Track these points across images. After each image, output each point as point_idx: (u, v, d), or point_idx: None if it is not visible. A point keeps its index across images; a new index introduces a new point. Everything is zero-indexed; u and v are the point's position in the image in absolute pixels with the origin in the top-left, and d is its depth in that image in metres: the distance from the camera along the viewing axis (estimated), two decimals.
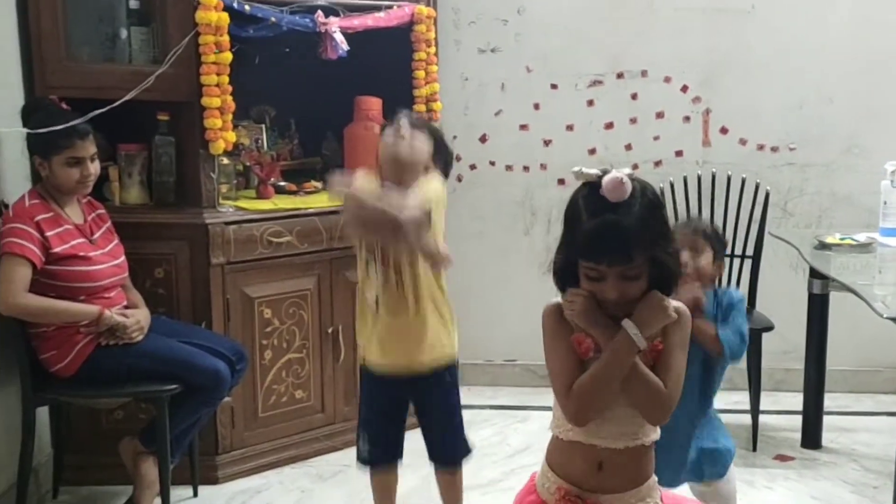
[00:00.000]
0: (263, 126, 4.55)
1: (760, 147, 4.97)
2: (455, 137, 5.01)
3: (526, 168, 5.10)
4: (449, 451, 3.42)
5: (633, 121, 5.03)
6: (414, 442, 4.01)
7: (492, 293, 5.13)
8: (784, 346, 4.83)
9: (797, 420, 4.49)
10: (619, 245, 2.02)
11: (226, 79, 3.83)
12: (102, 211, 3.68)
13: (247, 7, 3.89)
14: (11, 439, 3.55)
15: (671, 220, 2.36)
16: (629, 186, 2.03)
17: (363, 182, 3.12)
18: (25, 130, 3.44)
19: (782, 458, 4.29)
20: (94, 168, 3.51)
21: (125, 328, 3.47)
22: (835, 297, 4.27)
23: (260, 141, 4.48)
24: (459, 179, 5.04)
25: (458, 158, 4.96)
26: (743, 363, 4.31)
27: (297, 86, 4.56)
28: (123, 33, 3.91)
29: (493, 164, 5.11)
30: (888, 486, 3.97)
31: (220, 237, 3.88)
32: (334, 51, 4.08)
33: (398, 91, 4.33)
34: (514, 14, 5.00)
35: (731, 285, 4.48)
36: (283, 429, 4.18)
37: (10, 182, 3.65)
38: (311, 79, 4.47)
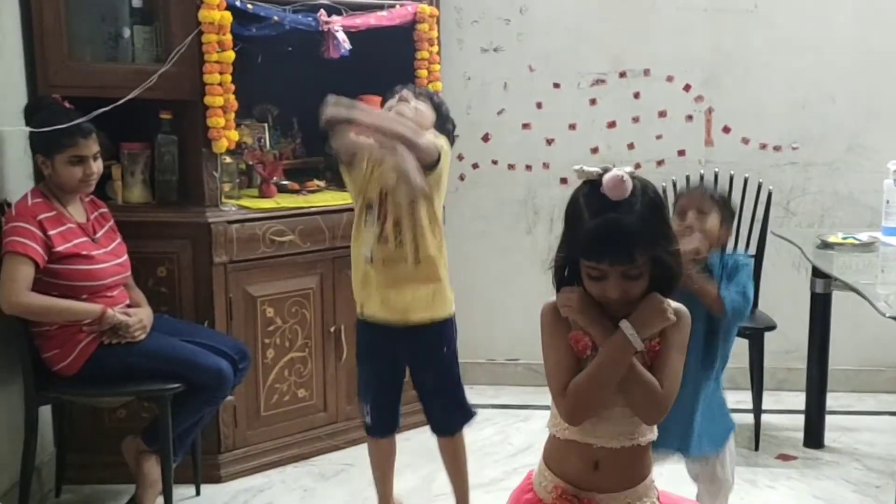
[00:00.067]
0: (266, 125, 4.55)
1: (763, 146, 4.97)
2: (457, 137, 5.00)
3: (528, 167, 5.10)
4: (448, 417, 3.47)
5: (636, 120, 5.03)
6: (414, 442, 4.03)
7: (494, 292, 5.13)
8: (786, 346, 4.83)
9: (799, 419, 4.49)
10: (620, 244, 2.01)
11: (228, 78, 3.83)
12: (105, 210, 3.68)
13: (249, 6, 3.90)
14: (14, 438, 3.55)
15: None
16: (630, 184, 2.03)
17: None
18: (28, 129, 3.45)
19: (785, 457, 4.29)
20: (97, 167, 3.51)
21: (128, 327, 3.47)
22: (837, 297, 4.26)
23: (262, 140, 4.49)
24: (462, 178, 5.04)
25: (461, 157, 4.97)
26: (745, 363, 4.34)
27: (300, 85, 4.55)
28: (126, 32, 3.92)
29: (495, 163, 5.11)
30: (890, 486, 3.98)
31: (223, 236, 3.88)
32: (337, 50, 4.08)
33: None
34: (517, 13, 5.00)
35: (740, 249, 4.43)
36: (286, 428, 4.18)
37: (12, 181, 3.65)
38: (313, 78, 4.45)
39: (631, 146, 5.02)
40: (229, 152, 4.03)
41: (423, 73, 4.42)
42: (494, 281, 5.13)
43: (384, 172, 3.24)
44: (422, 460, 4.07)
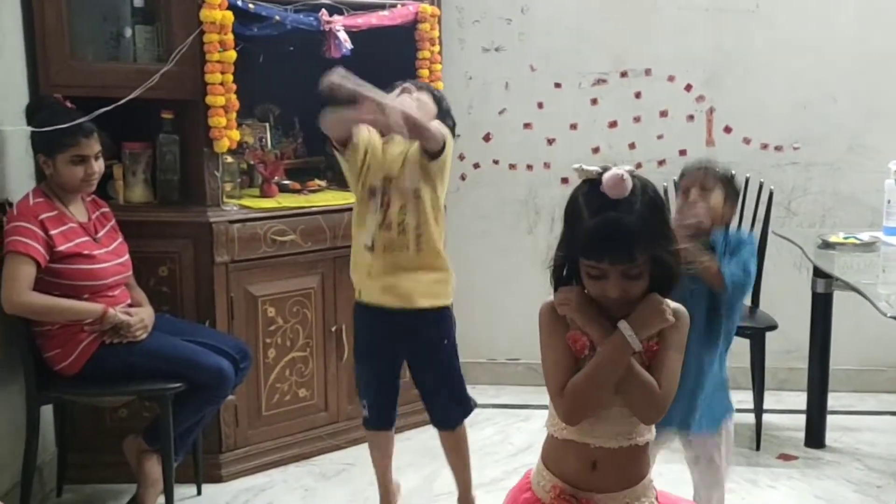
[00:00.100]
0: (267, 124, 4.55)
1: (764, 146, 4.97)
2: (459, 136, 5.00)
3: (529, 167, 5.10)
4: (449, 411, 3.49)
5: (637, 119, 5.03)
6: (416, 441, 4.03)
7: (495, 292, 5.13)
8: (787, 346, 4.83)
9: (801, 419, 4.49)
10: (620, 243, 2.01)
11: (230, 77, 3.83)
12: (106, 209, 3.68)
13: (251, 5, 3.90)
14: (16, 438, 3.55)
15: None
16: (630, 183, 2.02)
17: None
18: (30, 129, 3.45)
19: (786, 457, 4.29)
20: (99, 166, 3.51)
21: (129, 326, 3.47)
22: (838, 297, 4.26)
23: (264, 139, 4.48)
24: (463, 178, 5.04)
25: (462, 157, 4.97)
26: (746, 363, 4.34)
27: (301, 84, 4.51)
28: (128, 32, 3.92)
29: (496, 162, 5.11)
30: (892, 486, 3.98)
31: (224, 235, 3.88)
32: (338, 49, 4.08)
33: None
34: (518, 13, 5.00)
35: (745, 228, 4.44)
36: (287, 427, 4.18)
37: (14, 180, 3.65)
38: (315, 77, 4.44)
39: (632, 146, 5.02)
40: (231, 152, 4.03)
41: (425, 72, 4.41)
42: (495, 280, 5.13)
43: (388, 159, 3.27)
44: (424, 459, 4.07)
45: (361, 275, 3.38)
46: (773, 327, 4.36)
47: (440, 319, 3.40)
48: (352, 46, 4.09)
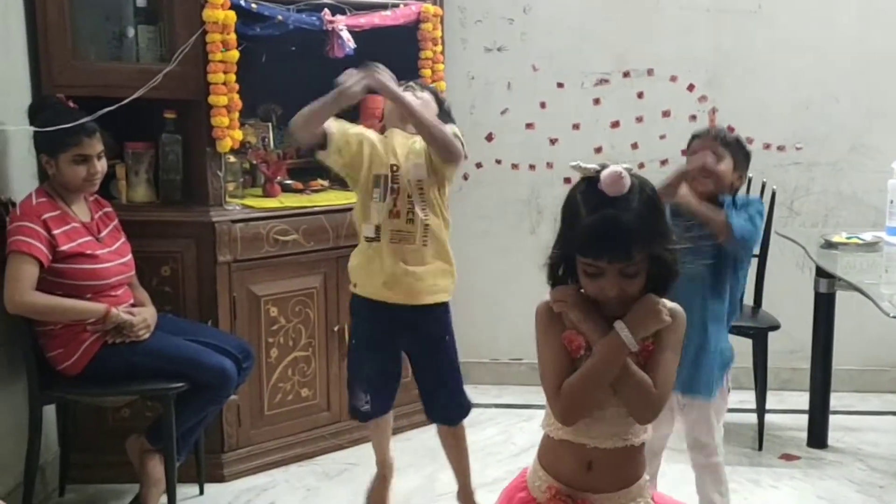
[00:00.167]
0: (270, 124, 4.54)
1: (767, 146, 4.96)
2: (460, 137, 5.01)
3: (532, 167, 5.10)
4: (449, 407, 3.50)
5: (640, 119, 5.03)
6: (416, 441, 4.03)
7: (497, 292, 5.13)
8: (790, 346, 4.83)
9: (803, 419, 4.49)
10: (618, 241, 2.01)
11: (233, 77, 3.83)
12: (109, 209, 3.68)
13: (254, 5, 3.90)
14: (18, 438, 3.55)
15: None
16: (628, 181, 2.03)
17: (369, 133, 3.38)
18: (32, 129, 3.45)
19: (788, 457, 4.29)
20: (101, 166, 3.51)
21: (132, 326, 3.47)
22: (841, 297, 4.26)
23: (266, 139, 4.48)
24: (465, 178, 5.04)
25: (466, 157, 4.96)
26: (748, 363, 4.33)
27: (304, 84, 4.52)
28: (130, 32, 3.92)
29: (499, 162, 5.11)
30: (894, 486, 3.98)
31: (227, 235, 3.88)
32: (341, 49, 4.09)
33: None
34: (521, 13, 5.00)
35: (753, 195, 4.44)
36: (289, 427, 4.18)
37: (17, 180, 3.65)
38: (317, 77, 4.45)
39: (635, 146, 5.02)
40: (233, 151, 4.04)
41: (427, 72, 4.42)
42: (498, 280, 5.13)
43: (392, 149, 3.32)
44: (424, 460, 4.07)
45: (362, 267, 3.38)
46: (776, 327, 4.36)
47: (441, 315, 3.42)
48: (354, 46, 4.09)
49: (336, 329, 4.21)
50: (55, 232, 3.37)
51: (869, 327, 4.65)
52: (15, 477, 3.57)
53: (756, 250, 4.49)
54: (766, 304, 4.52)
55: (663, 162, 4.96)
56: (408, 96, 3.28)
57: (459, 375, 3.52)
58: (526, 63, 5.03)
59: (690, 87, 4.98)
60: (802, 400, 4.55)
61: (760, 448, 4.34)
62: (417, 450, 4.10)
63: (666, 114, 5.00)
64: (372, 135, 3.39)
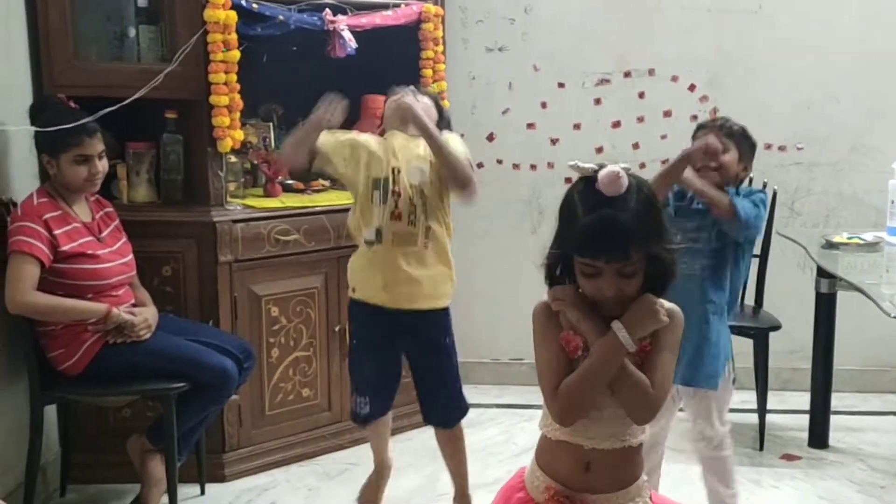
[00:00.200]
0: (271, 124, 4.54)
1: (768, 146, 4.96)
2: (462, 136, 4.99)
3: (533, 167, 5.10)
4: (448, 410, 3.50)
5: (641, 119, 5.03)
6: (416, 441, 4.03)
7: (498, 292, 5.13)
8: (791, 346, 4.83)
9: (804, 419, 4.49)
10: (615, 241, 2.01)
11: (234, 77, 3.83)
12: (110, 209, 3.69)
13: (255, 5, 3.90)
14: (19, 438, 3.55)
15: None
16: (625, 180, 2.02)
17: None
18: (34, 129, 3.45)
19: (789, 457, 4.29)
20: (102, 166, 3.51)
21: (133, 326, 3.47)
22: (842, 297, 4.26)
23: (268, 139, 4.48)
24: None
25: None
26: (749, 363, 4.33)
27: (305, 84, 4.54)
28: (132, 32, 3.91)
29: (500, 162, 5.11)
30: (895, 486, 3.97)
31: (228, 235, 3.88)
32: (342, 49, 4.09)
33: None
34: (522, 13, 5.00)
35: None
36: (290, 427, 4.19)
37: (18, 180, 3.66)
38: (318, 77, 4.46)
39: (636, 146, 5.02)
40: (234, 151, 4.04)
41: (428, 72, 4.42)
42: (498, 280, 5.13)
43: (392, 151, 3.31)
44: (425, 460, 4.07)
45: (362, 270, 3.38)
46: (777, 327, 4.36)
47: (441, 319, 3.42)
48: (356, 46, 4.09)
49: (337, 329, 4.21)
50: (56, 232, 3.37)
51: (870, 327, 4.65)
52: (16, 477, 3.57)
53: (756, 249, 4.52)
54: (767, 305, 4.52)
55: (664, 162, 4.88)
56: (440, 133, 3.30)
57: (458, 378, 3.52)
58: (527, 63, 5.04)
59: (692, 87, 4.98)
60: (803, 400, 4.55)
61: (761, 448, 4.35)
62: (418, 450, 4.10)
63: (667, 114, 5.01)
64: (368, 139, 3.39)
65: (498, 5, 5.00)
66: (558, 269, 2.15)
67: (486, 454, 4.22)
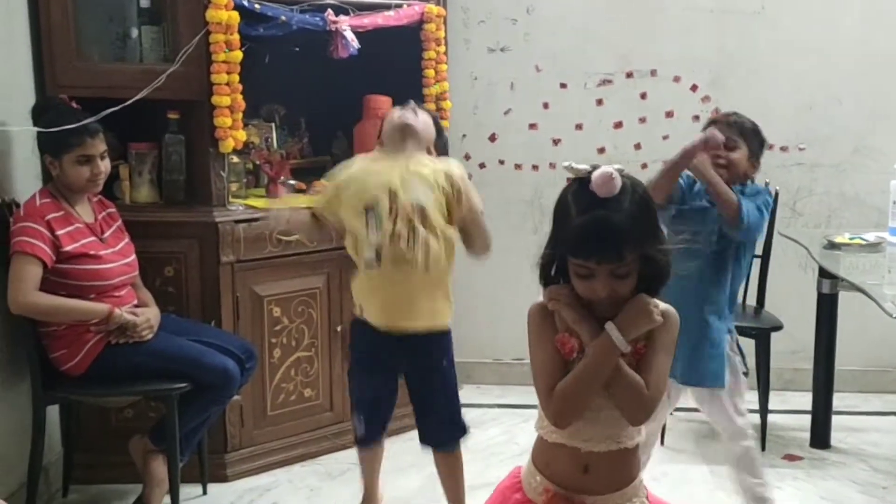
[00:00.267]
0: (273, 124, 4.56)
1: (770, 147, 4.95)
2: (464, 136, 5.03)
3: (535, 167, 5.11)
4: (444, 432, 3.45)
5: (643, 120, 5.03)
6: (416, 441, 4.01)
7: (500, 292, 5.13)
8: (793, 346, 4.83)
9: (806, 420, 4.49)
10: (609, 242, 2.01)
11: (236, 77, 3.83)
12: (113, 209, 3.69)
13: (257, 6, 3.90)
14: (22, 438, 3.56)
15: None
16: (619, 182, 2.02)
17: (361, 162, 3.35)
18: (36, 129, 3.45)
19: (791, 457, 4.29)
20: (105, 166, 3.51)
21: (135, 326, 3.47)
22: (844, 297, 4.26)
23: (270, 139, 4.49)
24: (469, 178, 5.03)
25: (468, 157, 4.98)
26: (751, 363, 4.32)
27: (307, 84, 4.57)
28: (134, 32, 3.92)
29: (502, 162, 5.12)
30: None
31: (230, 235, 3.89)
32: (345, 49, 4.09)
33: (408, 90, 4.28)
34: (524, 13, 5.00)
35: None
36: (292, 427, 4.19)
37: (21, 181, 3.66)
38: (320, 77, 4.48)
39: (638, 146, 5.02)
40: (236, 152, 4.04)
41: (430, 72, 4.42)
42: (500, 280, 5.12)
43: (386, 174, 3.23)
44: (426, 460, 4.06)
45: (363, 289, 3.32)
46: (779, 328, 4.36)
47: (440, 341, 3.36)
48: (358, 46, 4.10)
49: (339, 329, 4.21)
50: (59, 232, 3.38)
51: (871, 328, 4.66)
52: (18, 477, 3.57)
53: (758, 250, 4.53)
54: (769, 305, 4.53)
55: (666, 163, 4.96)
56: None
57: (457, 400, 3.45)
58: (529, 63, 5.04)
59: (694, 88, 4.98)
60: (805, 400, 4.56)
61: (763, 448, 4.33)
62: (418, 450, 4.09)
63: (669, 114, 5.01)
64: (355, 170, 3.30)
65: (500, 6, 5.00)
66: (552, 269, 2.15)
67: (488, 454, 4.23)
